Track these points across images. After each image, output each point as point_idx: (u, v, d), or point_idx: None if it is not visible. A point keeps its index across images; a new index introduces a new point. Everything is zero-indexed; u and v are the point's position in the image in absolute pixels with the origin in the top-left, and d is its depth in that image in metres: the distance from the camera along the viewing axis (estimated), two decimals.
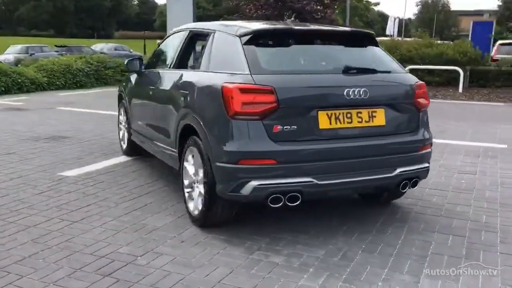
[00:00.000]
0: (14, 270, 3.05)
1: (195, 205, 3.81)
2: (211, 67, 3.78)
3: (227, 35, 3.83)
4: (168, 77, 4.53)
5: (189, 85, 3.91)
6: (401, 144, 3.64)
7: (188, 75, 4.09)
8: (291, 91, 3.33)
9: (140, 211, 4.15)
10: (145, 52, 44.00)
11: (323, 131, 3.39)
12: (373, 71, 3.65)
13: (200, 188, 3.71)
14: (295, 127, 3.32)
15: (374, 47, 3.96)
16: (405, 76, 3.80)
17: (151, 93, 4.80)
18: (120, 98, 6.24)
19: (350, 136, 3.48)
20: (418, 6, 79.23)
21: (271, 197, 3.29)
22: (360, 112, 3.48)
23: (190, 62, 4.60)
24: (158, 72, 4.91)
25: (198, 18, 19.05)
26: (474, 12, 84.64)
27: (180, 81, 4.12)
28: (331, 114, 3.40)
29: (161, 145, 4.55)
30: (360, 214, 4.14)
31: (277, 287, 2.89)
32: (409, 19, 76.56)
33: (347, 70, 3.54)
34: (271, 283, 2.94)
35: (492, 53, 17.04)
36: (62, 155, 6.15)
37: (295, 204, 3.34)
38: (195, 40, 4.58)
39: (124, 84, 6.06)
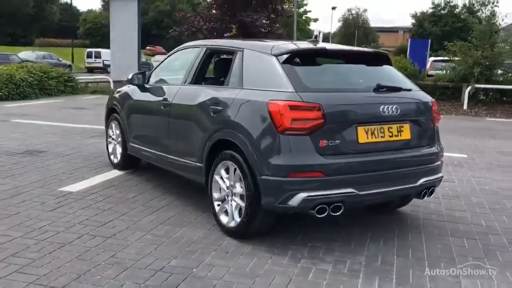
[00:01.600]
0: None
1: (230, 218, 3.92)
2: (246, 85, 3.94)
3: (260, 54, 4.00)
4: (188, 93, 4.60)
5: (221, 101, 4.03)
6: (423, 156, 3.99)
7: (218, 92, 4.21)
8: (335, 108, 3.58)
9: (168, 224, 4.19)
10: (73, 61, 42.56)
11: (362, 145, 3.66)
12: (399, 89, 3.99)
13: (237, 201, 3.83)
14: (338, 141, 3.56)
15: (390, 66, 4.31)
16: (423, 94, 4.18)
17: (163, 107, 4.84)
18: (110, 112, 6.17)
19: (383, 149, 3.78)
20: (340, 22, 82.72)
21: (317, 207, 3.49)
22: (391, 127, 3.79)
23: (214, 78, 4.70)
24: (171, 88, 4.96)
25: None
26: (390, 29, 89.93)
27: (208, 97, 4.22)
28: (368, 129, 3.68)
29: (180, 159, 4.61)
30: (375, 222, 4.44)
31: None
32: (334, 32, 79.64)
33: (378, 88, 3.84)
34: None
35: (427, 69, 18.37)
36: (49, 170, 5.95)
37: (337, 213, 3.57)
38: (214, 57, 4.70)
39: (118, 98, 5.99)
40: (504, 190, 5.70)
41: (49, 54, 35.25)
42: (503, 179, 6.26)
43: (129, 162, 5.95)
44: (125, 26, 18.59)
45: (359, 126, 3.65)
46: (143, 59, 39.78)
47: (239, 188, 3.81)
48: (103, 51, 38.14)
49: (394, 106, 3.74)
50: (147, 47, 55.25)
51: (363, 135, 3.66)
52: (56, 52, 39.86)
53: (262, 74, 3.92)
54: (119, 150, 6.03)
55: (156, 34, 68.30)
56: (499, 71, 15.68)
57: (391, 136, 3.80)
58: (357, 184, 3.59)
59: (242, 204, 3.78)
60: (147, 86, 5.39)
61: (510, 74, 15.82)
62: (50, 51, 38.41)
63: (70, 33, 61.39)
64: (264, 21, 17.12)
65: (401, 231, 4.22)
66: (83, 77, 20.26)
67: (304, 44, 4.21)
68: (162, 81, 5.36)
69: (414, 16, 71.85)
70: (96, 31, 70.17)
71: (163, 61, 5.43)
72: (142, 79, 5.38)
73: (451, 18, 62.95)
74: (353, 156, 3.63)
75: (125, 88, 5.93)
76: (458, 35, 31.82)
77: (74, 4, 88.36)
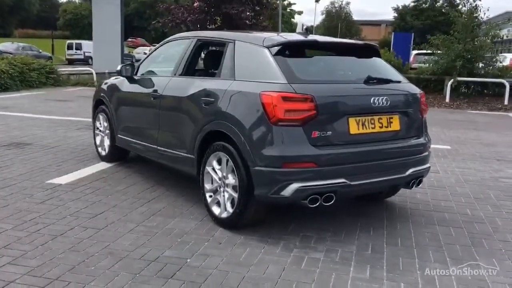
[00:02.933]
0: (73, 279, 3.03)
1: (223, 209, 3.95)
2: (238, 76, 3.96)
3: (251, 46, 4.03)
4: (179, 84, 4.60)
5: (213, 93, 4.05)
6: (412, 147, 4.06)
7: (210, 83, 4.22)
8: (327, 99, 3.62)
9: (159, 216, 4.20)
10: (53, 52, 41.91)
11: (353, 136, 3.71)
12: (389, 81, 4.05)
13: (230, 192, 3.86)
14: (330, 132, 3.61)
15: (379, 58, 4.36)
16: (411, 86, 4.25)
17: (153, 99, 4.83)
18: (98, 103, 6.13)
19: (374, 140, 3.84)
20: (323, 15, 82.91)
21: (310, 198, 3.54)
22: (381, 118, 3.85)
23: (205, 70, 4.71)
24: (161, 79, 4.95)
25: None
26: (373, 22, 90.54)
27: (199, 89, 4.22)
28: (359, 120, 3.73)
29: (170, 150, 4.61)
30: (365, 211, 4.51)
31: (333, 279, 3.16)
32: (318, 25, 79.80)
33: (368, 80, 3.90)
34: (326, 276, 3.20)
35: (411, 62, 18.57)
36: (36, 163, 5.90)
37: (329, 203, 3.63)
38: (205, 48, 4.70)
39: (105, 89, 5.96)
40: (487, 180, 5.84)
41: (29, 45, 34.69)
42: (485, 169, 6.40)
43: (117, 154, 5.93)
44: (107, 17, 18.38)
45: (350, 117, 3.70)
46: (125, 51, 39.42)
47: (231, 179, 3.84)
48: (84, 42, 37.69)
49: (384, 98, 3.80)
50: (129, 39, 54.78)
51: (354, 126, 3.71)
52: (35, 43, 39.21)
53: (254, 65, 3.94)
54: (107, 142, 6.00)
55: (138, 26, 67.70)
56: (480, 65, 15.92)
57: (381, 127, 3.86)
58: (349, 174, 3.65)
59: (235, 195, 3.81)
60: (135, 77, 5.37)
61: (491, 68, 16.08)
62: (29, 43, 37.76)
63: (49, 24, 60.52)
64: (248, 13, 17.09)
65: (390, 221, 4.30)
66: (65, 69, 20.01)
67: (295, 36, 4.24)
68: (151, 72, 5.34)
69: (396, 9, 72.45)
70: (76, 22, 69.27)
71: (151, 52, 5.41)
72: (130, 70, 5.35)
73: (433, 12, 63.68)
74: (345, 147, 3.69)
75: (113, 80, 5.89)
76: (440, 29, 32.21)
77: None
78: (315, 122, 3.55)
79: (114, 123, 5.70)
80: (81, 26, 67.24)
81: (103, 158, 6.08)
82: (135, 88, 5.30)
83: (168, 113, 4.68)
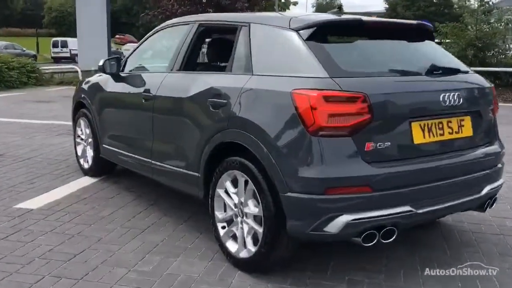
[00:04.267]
0: None
1: (241, 245, 2.98)
2: (257, 70, 2.98)
3: (274, 29, 3.04)
4: (177, 82, 3.62)
5: (224, 93, 3.07)
6: (486, 157, 3.10)
7: (218, 80, 3.24)
8: (384, 98, 2.65)
9: (156, 254, 3.21)
10: (38, 51, 40.59)
11: (417, 147, 2.75)
12: (457, 71, 3.09)
13: (251, 224, 2.89)
14: (389, 143, 2.65)
15: (433, 41, 3.40)
16: (480, 78, 3.28)
17: (144, 101, 3.84)
18: (78, 106, 5.11)
19: (443, 151, 2.88)
20: (314, 7, 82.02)
21: (364, 234, 2.58)
22: (450, 122, 2.90)
23: (211, 63, 3.72)
24: (154, 76, 3.95)
25: None
26: (364, 14, 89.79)
27: (205, 87, 3.24)
28: (425, 125, 2.77)
29: (168, 166, 3.63)
30: (417, 239, 3.55)
31: None
32: None
33: (432, 71, 2.93)
34: None
35: None
36: (5, 180, 4.88)
37: (389, 240, 2.67)
38: (209, 35, 3.75)
39: (86, 89, 4.94)
40: None
41: (12, 44, 33.48)
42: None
43: (102, 167, 4.92)
44: (92, 12, 17.18)
45: (414, 122, 2.73)
46: (113, 48, 38.19)
47: (252, 207, 2.87)
48: (69, 40, 36.42)
49: (456, 94, 2.84)
50: (117, 36, 53.54)
51: (419, 133, 2.75)
52: (20, 42, 37.94)
53: (280, 55, 2.96)
54: (90, 152, 4.99)
55: (126, 22, 66.27)
56: (492, 53, 14.99)
57: (451, 133, 2.90)
58: (415, 199, 2.69)
59: (258, 228, 2.84)
60: (122, 74, 4.36)
61: (503, 56, 15.18)
62: (14, 41, 36.45)
63: (34, 22, 58.96)
64: (244, 4, 16.07)
65: (455, 252, 3.35)
66: (49, 67, 18.86)
67: (329, 16, 3.25)
68: (141, 68, 4.35)
69: (387, 0, 71.76)
70: (62, 20, 67.64)
71: (141, 43, 4.38)
72: (116, 66, 4.34)
73: (424, 2, 63.16)
74: (408, 162, 2.72)
75: (96, 78, 4.87)
76: (431, 19, 31.35)
77: None
78: (369, 130, 2.58)
79: (98, 130, 4.69)
80: (67, 24, 65.55)
81: (86, 172, 5.07)
82: (122, 88, 4.29)
83: (164, 118, 3.69)
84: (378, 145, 2.60)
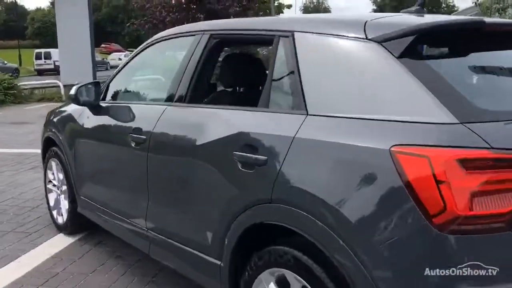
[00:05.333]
0: None
1: None
2: (315, 106, 1.87)
3: (338, 41, 1.92)
4: (183, 120, 2.50)
5: (263, 143, 1.94)
6: None
7: (250, 121, 2.11)
8: None
9: None
10: (20, 63, 39.18)
11: None
12: None
13: None
14: None
15: None
16: None
17: (135, 145, 2.70)
18: (48, 144, 3.95)
19: None
20: (301, 10, 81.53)
21: None
22: None
23: (233, 92, 2.59)
24: (149, 109, 2.81)
25: None
26: None
27: (229, 132, 2.12)
28: None
29: (171, 241, 2.49)
30: None
31: None
32: None
33: None
34: None
35: None
36: None
37: None
38: (227, 51, 2.59)
39: (57, 122, 3.79)
40: None
41: None
42: None
43: (81, 223, 3.76)
44: (74, 21, 15.98)
45: None
46: (99, 57, 36.97)
47: None
48: (53, 51, 34.96)
49: None
50: (102, 45, 52.40)
51: None
52: (2, 54, 36.51)
53: (354, 82, 1.83)
54: (64, 204, 3.84)
55: (111, 31, 65.07)
56: None
57: None
58: None
59: None
60: (103, 105, 3.21)
61: None
62: None
63: (18, 33, 57.48)
64: (237, 8, 14.94)
65: None
66: (28, 83, 17.56)
67: (418, 19, 2.11)
68: (129, 96, 3.22)
69: (375, 1, 71.53)
70: (46, 31, 66.16)
71: (128, 62, 3.22)
72: (94, 93, 3.20)
73: (412, 3, 63.06)
74: None
75: (69, 107, 3.71)
76: None
77: (21, 3, 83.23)
78: None
79: (73, 177, 3.54)
80: (50, 34, 64.04)
81: (61, 228, 3.92)
82: (103, 124, 3.16)
83: (163, 171, 2.56)
84: None
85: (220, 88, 2.80)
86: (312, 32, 2.03)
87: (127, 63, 3.23)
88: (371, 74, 1.77)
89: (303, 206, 1.73)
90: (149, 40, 3.08)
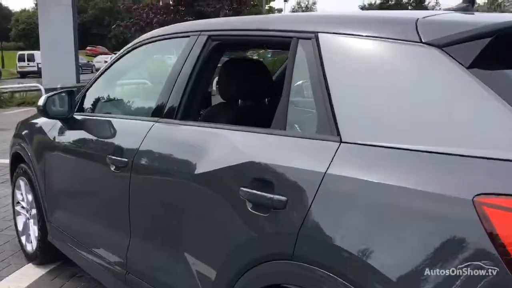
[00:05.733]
0: None
1: None
2: (352, 131, 1.40)
3: (380, 44, 1.46)
4: (174, 141, 2.01)
5: (282, 178, 1.47)
6: None
7: (263, 147, 1.63)
8: None
9: None
10: (3, 65, 38.32)
11: None
12: None
13: None
14: None
15: None
16: None
17: (114, 170, 2.21)
18: (17, 159, 3.44)
19: None
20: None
21: None
22: None
23: (239, 108, 2.11)
24: (131, 126, 2.32)
25: None
26: None
27: (235, 161, 1.64)
28: None
29: (159, 278, 2.01)
30: None
31: None
32: None
33: None
34: None
35: None
36: None
37: None
38: (227, 56, 2.12)
39: (26, 136, 3.27)
40: None
41: None
42: None
43: (52, 253, 3.24)
44: (58, 23, 15.44)
45: None
46: (84, 60, 36.27)
47: None
48: (37, 53, 34.20)
49: None
50: (88, 48, 51.60)
51: None
52: None
53: (409, 102, 1.36)
54: (34, 229, 3.32)
55: (97, 34, 64.19)
56: None
57: None
58: None
59: None
60: (78, 117, 2.71)
61: None
62: None
63: (1, 35, 56.45)
64: (227, 11, 14.48)
65: None
66: (8, 86, 16.90)
67: (482, 16, 1.66)
68: (109, 107, 2.73)
69: (363, 8, 71.87)
70: (30, 32, 65.08)
71: (109, 67, 2.71)
72: (68, 104, 2.69)
73: (400, 8, 63.56)
74: None
75: (41, 119, 3.19)
76: None
77: (5, 4, 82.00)
78: None
79: (43, 200, 3.04)
80: (35, 36, 63.03)
81: (30, 257, 3.40)
82: (77, 141, 2.66)
83: (150, 205, 2.07)
84: None
85: (219, 100, 2.32)
86: (343, 34, 1.57)
87: (107, 68, 2.73)
88: (432, 90, 1.31)
89: (341, 270, 1.26)
90: (133, 42, 2.59)
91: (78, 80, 15.69)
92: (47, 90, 14.10)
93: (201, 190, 1.76)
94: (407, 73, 1.38)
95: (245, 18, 2.17)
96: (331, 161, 1.37)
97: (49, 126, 2.93)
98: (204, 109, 2.39)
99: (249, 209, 1.53)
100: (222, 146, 1.73)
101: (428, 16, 1.48)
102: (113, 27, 18.13)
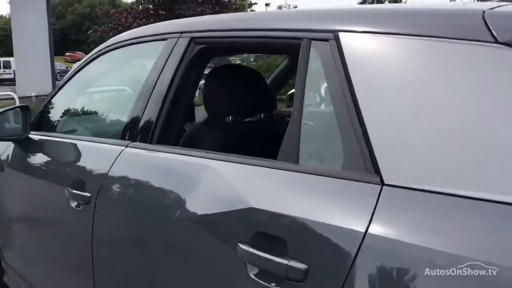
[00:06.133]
0: None
1: None
2: (392, 166, 0.98)
3: (434, 46, 1.04)
4: (149, 172, 1.57)
5: (304, 240, 1.04)
6: None
7: (265, 189, 1.19)
8: None
9: None
10: None
11: None
12: None
13: None
14: None
15: None
16: None
17: (75, 206, 1.76)
18: None
19: None
20: None
21: None
22: None
23: (229, 127, 1.69)
24: (96, 150, 1.87)
25: None
26: None
27: (228, 207, 1.21)
28: None
29: None
30: None
31: None
32: None
33: None
34: None
35: None
36: None
37: None
38: (218, 64, 1.74)
39: None
40: None
41: None
42: None
43: None
44: (32, 29, 14.83)
45: None
46: (63, 66, 35.41)
47: None
48: (13, 60, 33.31)
49: None
50: (67, 53, 50.69)
51: None
52: None
53: (486, 129, 0.95)
54: None
55: (76, 39, 63.17)
56: None
57: None
58: None
59: None
60: (34, 138, 2.25)
61: None
62: None
63: None
64: (209, 14, 14.08)
65: None
66: None
67: None
68: (70, 125, 2.27)
69: (362, 3, 72.33)
70: (6, 39, 63.82)
71: (70, 78, 2.23)
72: (22, 122, 2.22)
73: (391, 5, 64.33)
74: None
75: None
76: None
77: None
78: None
79: None
80: (11, 43, 61.99)
81: None
82: (32, 167, 2.20)
83: (118, 252, 1.63)
84: None
85: (205, 117, 1.88)
86: (377, 32, 1.15)
87: (69, 78, 2.27)
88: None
89: None
90: (100, 47, 2.13)
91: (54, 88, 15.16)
92: (21, 99, 13.51)
93: (182, 238, 1.32)
94: (479, 88, 0.97)
95: (235, 16, 1.75)
96: (373, 213, 0.95)
97: (2, 148, 2.46)
98: (188, 123, 1.96)
99: (252, 275, 1.10)
100: (212, 183, 1.30)
101: (494, 8, 1.07)
102: (89, 32, 17.58)
